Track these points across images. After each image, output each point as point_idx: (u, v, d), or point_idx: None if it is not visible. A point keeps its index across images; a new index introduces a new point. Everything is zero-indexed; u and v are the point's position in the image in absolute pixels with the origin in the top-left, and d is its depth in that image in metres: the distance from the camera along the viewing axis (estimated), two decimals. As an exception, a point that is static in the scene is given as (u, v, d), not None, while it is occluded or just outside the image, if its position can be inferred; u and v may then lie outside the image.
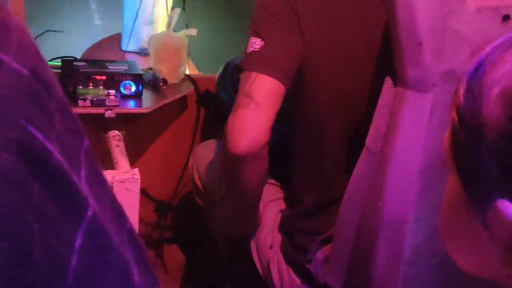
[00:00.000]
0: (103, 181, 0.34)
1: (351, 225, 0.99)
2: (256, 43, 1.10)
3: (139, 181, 0.98)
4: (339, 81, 1.13)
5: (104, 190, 0.34)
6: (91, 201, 0.30)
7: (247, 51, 1.12)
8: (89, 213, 0.29)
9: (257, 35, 1.11)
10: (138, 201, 0.97)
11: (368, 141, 0.95)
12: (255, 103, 1.07)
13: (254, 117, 1.08)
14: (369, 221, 0.95)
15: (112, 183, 0.93)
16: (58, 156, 0.28)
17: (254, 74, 1.09)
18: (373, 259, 0.95)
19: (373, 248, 0.94)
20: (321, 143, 1.19)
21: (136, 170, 1.01)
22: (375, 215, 0.93)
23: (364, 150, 0.96)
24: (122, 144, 1.18)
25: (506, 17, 0.82)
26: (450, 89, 0.86)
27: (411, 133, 0.87)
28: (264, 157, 1.13)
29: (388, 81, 0.91)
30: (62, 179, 0.29)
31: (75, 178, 0.29)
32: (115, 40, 2.15)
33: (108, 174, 0.97)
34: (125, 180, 0.96)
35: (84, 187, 0.30)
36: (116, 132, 1.25)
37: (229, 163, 1.15)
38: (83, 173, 0.31)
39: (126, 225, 0.35)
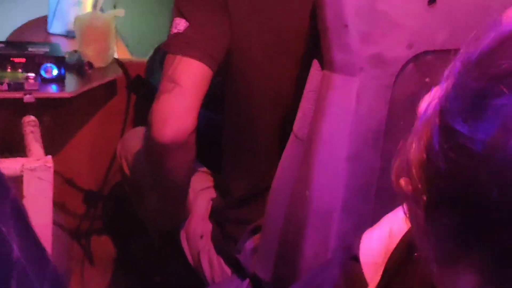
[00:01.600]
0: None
1: (279, 215, 0.96)
2: (180, 24, 1.05)
3: (51, 169, 0.91)
4: (268, 66, 1.09)
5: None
6: None
7: (171, 33, 1.06)
8: None
9: (182, 15, 1.06)
10: (51, 191, 0.91)
11: (295, 126, 0.92)
12: (180, 88, 1.02)
13: (179, 102, 1.03)
14: (297, 211, 0.92)
15: (22, 171, 0.86)
16: None
17: (178, 57, 1.04)
18: (301, 249, 0.92)
19: (301, 238, 0.92)
20: (251, 130, 1.16)
21: (49, 157, 0.94)
22: (302, 204, 0.91)
23: (292, 136, 0.93)
24: (37, 130, 1.11)
25: (431, 0, 0.80)
26: (378, 74, 0.85)
27: (337, 118, 0.85)
28: (191, 146, 1.09)
29: (315, 65, 0.88)
30: None
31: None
32: (41, 22, 2.04)
33: (18, 162, 0.89)
34: (36, 168, 0.89)
35: None
36: (32, 117, 1.17)
37: (153, 153, 1.10)
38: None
39: (9, 197, 0.33)
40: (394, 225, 0.55)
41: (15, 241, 0.31)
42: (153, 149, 1.08)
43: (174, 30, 1.06)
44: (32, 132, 1.07)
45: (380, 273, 0.53)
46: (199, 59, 1.03)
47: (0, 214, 0.32)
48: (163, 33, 1.46)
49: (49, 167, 0.90)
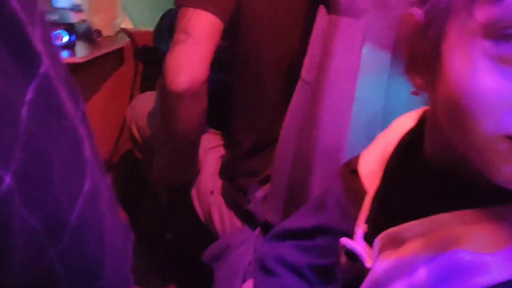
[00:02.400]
0: (57, 50, 0.33)
1: (288, 158, 0.99)
2: None
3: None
4: (276, 17, 1.13)
5: (58, 60, 0.33)
6: (45, 59, 0.29)
7: None
8: (42, 70, 0.28)
9: None
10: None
11: (303, 71, 0.95)
12: (193, 38, 1.06)
13: (192, 52, 1.07)
14: (304, 151, 0.96)
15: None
16: (14, 2, 0.27)
17: (191, 10, 1.08)
18: (309, 189, 0.96)
19: (309, 177, 0.95)
20: (259, 83, 1.19)
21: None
22: (310, 144, 0.94)
23: (300, 82, 0.97)
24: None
25: None
26: (382, 16, 0.88)
27: (344, 60, 0.89)
28: (203, 95, 1.13)
29: (321, 11, 0.91)
30: (16, 28, 0.27)
31: (29, 30, 0.28)
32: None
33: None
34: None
35: (38, 44, 0.29)
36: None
37: (167, 102, 1.13)
38: (37, 31, 0.29)
39: (79, 106, 0.35)
40: (387, 137, 0.60)
41: (86, 141, 0.32)
42: (168, 98, 1.12)
43: None
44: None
45: (378, 179, 0.56)
46: (211, 11, 1.07)
47: (75, 119, 0.32)
48: (166, 3, 1.49)
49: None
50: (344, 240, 0.54)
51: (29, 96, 0.27)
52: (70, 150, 0.31)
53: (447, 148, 0.45)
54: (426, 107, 0.52)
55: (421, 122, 0.52)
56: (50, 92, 0.29)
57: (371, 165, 0.59)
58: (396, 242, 0.47)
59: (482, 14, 0.38)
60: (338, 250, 0.55)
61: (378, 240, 0.49)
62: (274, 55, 1.15)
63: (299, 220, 0.65)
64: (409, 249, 0.46)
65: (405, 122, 0.57)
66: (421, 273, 0.44)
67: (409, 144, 0.54)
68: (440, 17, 0.42)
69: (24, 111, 0.27)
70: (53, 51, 0.32)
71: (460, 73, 0.39)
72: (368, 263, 0.50)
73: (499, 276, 0.41)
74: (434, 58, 0.43)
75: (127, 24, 1.91)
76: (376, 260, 0.49)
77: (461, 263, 0.43)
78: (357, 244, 0.53)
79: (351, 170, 0.62)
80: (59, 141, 0.29)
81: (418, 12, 0.45)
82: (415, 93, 0.48)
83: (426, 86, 0.46)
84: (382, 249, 0.49)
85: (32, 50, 0.28)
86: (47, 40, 0.31)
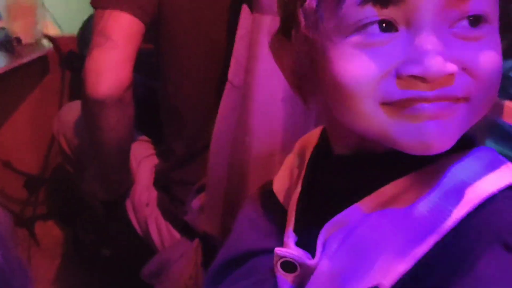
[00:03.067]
0: None
1: (222, 165, 0.95)
2: None
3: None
4: (198, 19, 1.09)
5: None
6: None
7: None
8: None
9: None
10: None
11: (230, 74, 0.91)
12: (112, 42, 1.00)
13: (112, 56, 1.01)
14: (239, 158, 0.92)
15: None
16: None
17: (107, 11, 1.02)
18: (245, 197, 0.92)
19: (245, 185, 0.92)
20: (185, 88, 1.15)
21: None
22: (243, 151, 0.91)
23: (227, 85, 0.92)
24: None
25: None
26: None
27: (271, 60, 0.84)
28: (128, 102, 1.07)
29: (245, 9, 0.87)
30: None
31: None
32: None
33: None
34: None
35: None
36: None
37: (90, 111, 1.07)
38: None
39: None
40: (294, 157, 0.64)
41: None
42: (90, 107, 1.05)
43: None
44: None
45: (296, 193, 0.58)
46: (129, 12, 1.02)
47: None
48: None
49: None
50: (279, 250, 0.55)
51: None
52: None
53: (349, 137, 0.52)
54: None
55: (324, 131, 0.59)
56: None
57: (285, 182, 0.63)
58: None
59: (345, 20, 0.47)
60: (271, 265, 0.56)
61: (323, 232, 0.52)
62: (199, 57, 1.11)
63: (220, 257, 0.65)
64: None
65: (308, 138, 0.62)
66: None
67: (321, 151, 0.59)
68: (315, 33, 0.49)
69: None
70: None
71: (340, 66, 0.48)
72: (311, 262, 0.52)
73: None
74: (315, 67, 0.51)
75: (53, 29, 1.81)
76: (322, 255, 0.52)
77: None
78: (293, 250, 0.54)
79: (265, 191, 0.65)
80: None
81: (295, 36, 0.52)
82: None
83: (313, 89, 0.53)
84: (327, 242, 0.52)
85: None
86: None
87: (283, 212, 0.60)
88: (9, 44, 1.50)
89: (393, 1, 0.45)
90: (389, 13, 0.46)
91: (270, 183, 0.66)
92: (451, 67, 0.45)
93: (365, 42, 0.46)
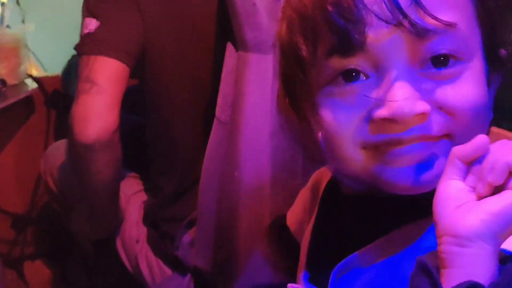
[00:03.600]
0: None
1: (212, 200, 0.96)
2: (91, 24, 1.04)
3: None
4: (184, 58, 1.10)
5: None
6: None
7: (82, 34, 1.05)
8: None
9: (92, 15, 1.05)
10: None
11: (218, 111, 0.93)
12: (98, 87, 1.01)
13: (98, 101, 1.02)
14: (228, 193, 0.93)
15: None
16: None
17: (92, 57, 1.03)
18: (236, 231, 0.93)
19: (235, 219, 0.93)
20: (173, 126, 1.15)
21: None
22: (233, 185, 0.92)
23: (215, 122, 0.94)
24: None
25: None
26: (290, 49, 0.88)
27: (257, 96, 0.87)
28: (116, 145, 1.07)
29: (229, 47, 0.89)
30: None
31: None
32: None
33: None
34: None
35: None
36: None
37: (78, 155, 1.07)
38: None
39: None
40: (307, 191, 0.66)
41: None
42: (78, 152, 1.06)
43: (86, 31, 1.05)
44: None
45: (309, 229, 0.59)
46: (114, 57, 1.03)
47: None
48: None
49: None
50: (292, 286, 0.56)
51: None
52: None
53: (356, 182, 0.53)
54: None
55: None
56: None
57: (298, 216, 0.64)
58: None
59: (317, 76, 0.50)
60: None
61: (335, 272, 0.53)
62: (185, 96, 1.12)
63: None
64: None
65: (321, 174, 0.63)
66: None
67: (333, 188, 0.60)
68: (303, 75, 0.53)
69: None
70: None
71: (322, 111, 0.50)
72: None
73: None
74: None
75: (36, 70, 1.82)
76: None
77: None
78: (305, 286, 0.56)
79: (279, 225, 0.67)
80: None
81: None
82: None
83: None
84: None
85: None
86: None
87: (296, 246, 0.61)
88: (-6, 86, 1.50)
89: (353, 50, 0.47)
90: (355, 61, 0.47)
91: (283, 217, 0.67)
92: (421, 107, 0.46)
93: (335, 92, 0.49)
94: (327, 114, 0.50)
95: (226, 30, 0.91)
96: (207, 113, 1.09)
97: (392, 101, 0.46)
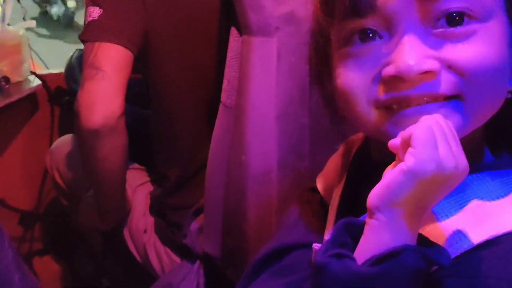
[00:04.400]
0: None
1: (219, 186, 0.97)
2: (94, 12, 1.05)
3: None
4: (184, 45, 1.11)
5: None
6: None
7: (86, 21, 1.06)
8: None
9: (95, 3, 1.06)
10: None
11: (223, 96, 0.93)
12: (102, 73, 1.02)
13: (104, 87, 1.03)
14: (235, 178, 0.93)
15: None
16: None
17: (96, 44, 1.04)
18: (244, 216, 0.93)
19: (243, 204, 0.93)
20: (175, 114, 1.17)
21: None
22: (240, 170, 0.92)
23: (221, 107, 0.94)
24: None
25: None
26: (293, 32, 0.88)
27: (262, 80, 0.87)
28: (121, 131, 1.08)
29: (233, 32, 0.90)
30: None
31: None
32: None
33: None
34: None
35: None
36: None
37: (84, 142, 1.08)
38: None
39: (3, 235, 0.33)
40: (337, 157, 0.65)
41: (16, 273, 0.31)
42: (84, 139, 1.07)
43: (89, 19, 1.06)
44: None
45: (338, 192, 0.60)
46: (117, 43, 1.04)
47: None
48: (75, 43, 1.45)
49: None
50: (317, 246, 0.57)
51: None
52: None
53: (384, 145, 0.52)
54: None
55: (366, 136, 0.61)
56: None
57: (328, 180, 0.65)
58: None
59: (336, 36, 0.53)
60: (310, 260, 0.58)
61: None
62: (187, 83, 1.13)
63: (265, 249, 0.66)
64: None
65: (352, 141, 0.64)
66: None
67: (362, 155, 0.61)
68: (325, 43, 0.56)
69: None
70: None
71: (338, 73, 0.52)
72: None
73: None
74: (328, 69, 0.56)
75: (39, 68, 1.83)
76: None
77: None
78: None
79: (310, 188, 0.68)
80: None
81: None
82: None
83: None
84: None
85: None
86: None
87: (326, 209, 0.62)
88: (-2, 83, 1.51)
89: (364, 11, 0.49)
90: (368, 22, 0.49)
91: (314, 183, 0.68)
92: (428, 64, 0.47)
93: (350, 52, 0.51)
94: (343, 74, 0.51)
95: (230, 15, 0.91)
96: (210, 100, 1.10)
97: (399, 59, 0.47)
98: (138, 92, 1.34)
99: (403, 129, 0.47)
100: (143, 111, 1.43)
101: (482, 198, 0.49)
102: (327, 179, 0.66)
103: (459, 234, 0.48)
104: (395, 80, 0.48)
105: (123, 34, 1.05)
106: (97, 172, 1.14)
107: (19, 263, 0.33)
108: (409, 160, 0.44)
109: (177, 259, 1.22)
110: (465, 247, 0.47)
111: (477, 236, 0.47)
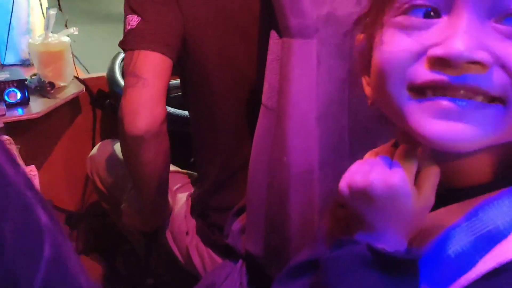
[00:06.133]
0: None
1: (262, 187, 0.98)
2: (133, 20, 1.07)
3: (37, 177, 0.92)
4: (224, 47, 1.13)
5: None
6: None
7: (125, 30, 1.09)
8: None
9: (133, 11, 1.08)
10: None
11: (264, 98, 0.95)
12: (143, 80, 1.05)
13: (145, 94, 1.05)
14: (278, 178, 0.95)
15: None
16: None
17: (136, 52, 1.07)
18: (287, 215, 0.95)
19: (286, 204, 0.94)
20: (214, 113, 1.18)
21: (33, 166, 0.96)
22: (282, 170, 0.93)
23: (262, 108, 0.96)
24: (13, 147, 1.11)
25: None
26: (333, 33, 0.89)
27: (302, 81, 0.88)
28: (164, 135, 1.11)
29: (273, 35, 0.91)
30: None
31: None
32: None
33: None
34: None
35: None
36: (5, 136, 1.17)
37: (129, 147, 1.11)
38: None
39: (19, 170, 0.33)
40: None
41: (38, 206, 0.31)
42: (129, 144, 1.09)
43: (128, 27, 1.08)
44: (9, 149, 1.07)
45: None
46: (156, 50, 1.06)
47: (19, 184, 0.32)
48: (114, 47, 1.48)
49: (34, 175, 0.91)
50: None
51: None
52: (21, 217, 0.29)
53: None
54: None
55: (396, 142, 0.57)
56: None
57: None
58: None
59: (391, 4, 0.49)
60: None
61: None
62: (227, 85, 1.15)
63: (299, 258, 0.67)
64: None
65: (376, 151, 0.60)
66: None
67: None
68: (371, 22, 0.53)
69: None
70: None
71: (381, 47, 0.49)
72: None
73: None
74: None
75: (80, 72, 1.88)
76: None
77: None
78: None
79: (339, 203, 0.66)
80: (6, 209, 0.28)
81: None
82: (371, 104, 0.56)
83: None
84: None
85: None
86: None
87: None
88: (43, 89, 1.56)
89: None
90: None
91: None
92: (481, 55, 0.43)
93: (405, 24, 0.47)
94: (386, 44, 0.48)
95: (270, 17, 0.93)
96: (249, 99, 1.11)
97: (451, 41, 0.44)
98: (173, 96, 1.36)
99: (433, 120, 0.45)
100: (179, 113, 1.45)
101: (494, 223, 0.47)
102: None
103: (467, 262, 0.47)
104: (440, 63, 0.44)
105: (162, 41, 1.07)
106: (141, 176, 1.17)
107: (44, 203, 0.34)
108: None
109: (219, 260, 1.24)
110: (474, 276, 0.46)
111: (485, 265, 0.45)
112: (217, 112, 1.18)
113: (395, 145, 0.56)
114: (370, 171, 0.51)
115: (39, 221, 0.30)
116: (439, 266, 0.48)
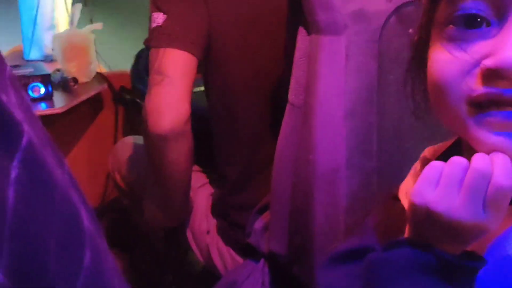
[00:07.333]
0: (33, 112, 0.30)
1: (286, 184, 0.97)
2: (159, 18, 1.07)
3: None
4: (248, 44, 1.12)
5: (37, 122, 0.30)
6: (26, 127, 0.26)
7: (151, 28, 1.08)
8: (24, 140, 0.25)
9: (159, 9, 1.08)
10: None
11: (291, 96, 0.93)
12: (169, 79, 1.04)
13: (170, 92, 1.05)
14: (303, 177, 0.93)
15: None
16: None
17: (161, 50, 1.06)
18: (312, 214, 0.93)
19: (311, 203, 0.93)
20: (235, 113, 1.17)
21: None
22: (307, 169, 0.92)
23: (288, 106, 0.95)
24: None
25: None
26: (362, 29, 0.87)
27: (330, 78, 0.87)
28: (188, 134, 1.10)
29: (301, 32, 0.90)
30: None
31: (3, 98, 0.25)
32: (18, 52, 2.05)
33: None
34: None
35: (16, 112, 0.26)
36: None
37: (153, 146, 1.11)
38: (12, 97, 0.26)
39: (64, 167, 0.32)
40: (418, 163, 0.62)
41: (82, 210, 0.30)
42: (153, 143, 1.09)
43: (154, 25, 1.08)
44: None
45: None
46: (182, 48, 1.05)
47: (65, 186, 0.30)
48: (139, 42, 1.48)
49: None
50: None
51: (13, 174, 0.25)
52: (66, 225, 0.28)
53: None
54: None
55: (457, 143, 0.56)
56: (36, 164, 0.27)
57: (410, 188, 0.62)
58: None
59: (441, 13, 0.49)
60: None
61: None
62: (248, 82, 1.14)
63: (346, 244, 0.66)
64: None
65: (438, 147, 0.60)
66: None
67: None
68: (425, 29, 0.53)
69: (10, 192, 0.24)
70: (31, 114, 0.29)
71: (433, 61, 0.49)
72: None
73: None
74: (423, 61, 0.53)
75: (101, 69, 1.89)
76: None
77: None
78: None
79: (392, 196, 0.65)
80: (52, 218, 0.27)
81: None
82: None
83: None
84: None
85: (11, 120, 0.25)
86: (23, 104, 0.28)
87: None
88: (66, 84, 1.56)
89: None
90: (482, 6, 0.45)
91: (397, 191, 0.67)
92: None
93: (453, 36, 0.47)
94: (439, 59, 0.48)
95: (297, 14, 0.91)
96: (272, 98, 1.10)
97: (502, 51, 0.43)
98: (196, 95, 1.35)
99: (485, 131, 0.45)
100: (200, 110, 1.44)
101: None
102: (408, 187, 0.63)
103: None
104: (494, 75, 0.44)
105: (187, 39, 1.06)
106: (164, 174, 1.16)
107: (85, 202, 0.33)
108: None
109: (240, 260, 1.24)
110: None
111: None
112: (239, 110, 1.17)
113: (457, 143, 0.56)
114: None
115: (82, 226, 0.29)
116: (499, 268, 0.47)
